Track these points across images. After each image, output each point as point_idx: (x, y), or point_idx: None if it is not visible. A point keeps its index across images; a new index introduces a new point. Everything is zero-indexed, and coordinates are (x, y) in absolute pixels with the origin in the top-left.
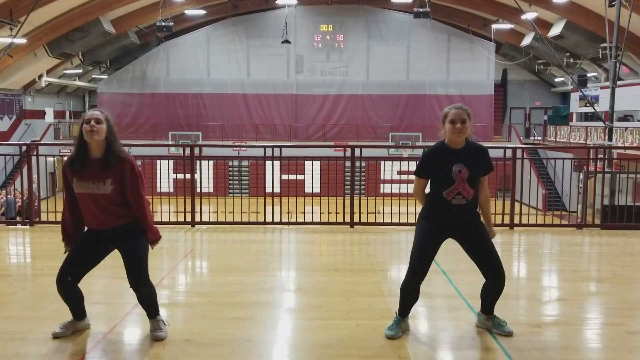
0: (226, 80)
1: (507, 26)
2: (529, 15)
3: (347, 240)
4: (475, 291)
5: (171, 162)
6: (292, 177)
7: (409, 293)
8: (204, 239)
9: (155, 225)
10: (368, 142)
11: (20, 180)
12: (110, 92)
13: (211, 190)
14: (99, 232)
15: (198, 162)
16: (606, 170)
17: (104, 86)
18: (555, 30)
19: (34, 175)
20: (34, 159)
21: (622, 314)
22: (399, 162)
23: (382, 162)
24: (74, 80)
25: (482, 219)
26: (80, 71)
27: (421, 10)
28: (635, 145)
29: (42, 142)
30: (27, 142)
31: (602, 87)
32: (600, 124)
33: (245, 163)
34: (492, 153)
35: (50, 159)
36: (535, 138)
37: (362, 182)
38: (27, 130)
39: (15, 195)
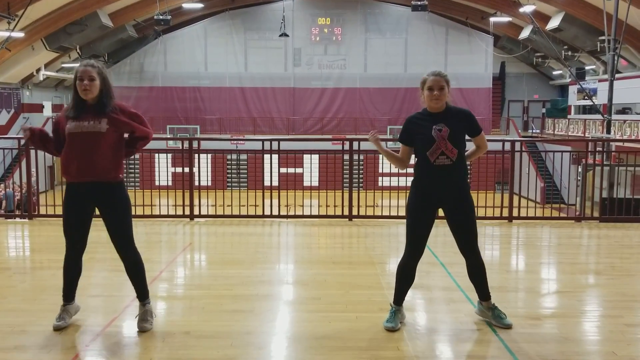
0: (224, 73)
1: (505, 19)
2: (527, 8)
3: (345, 233)
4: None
5: (169, 155)
6: (291, 170)
7: (406, 273)
8: (202, 232)
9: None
10: (366, 135)
11: (19, 174)
12: None
13: (209, 183)
14: (82, 188)
15: (196, 155)
16: (605, 163)
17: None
18: (554, 23)
19: (33, 169)
20: (32, 152)
21: (621, 306)
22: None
23: (381, 156)
24: (72, 73)
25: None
26: (78, 65)
27: (419, 3)
28: (633, 138)
29: None
30: None
31: (600, 80)
32: (599, 116)
33: (243, 156)
34: (491, 146)
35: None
36: (534, 131)
37: (360, 175)
38: (25, 123)
39: (13, 189)
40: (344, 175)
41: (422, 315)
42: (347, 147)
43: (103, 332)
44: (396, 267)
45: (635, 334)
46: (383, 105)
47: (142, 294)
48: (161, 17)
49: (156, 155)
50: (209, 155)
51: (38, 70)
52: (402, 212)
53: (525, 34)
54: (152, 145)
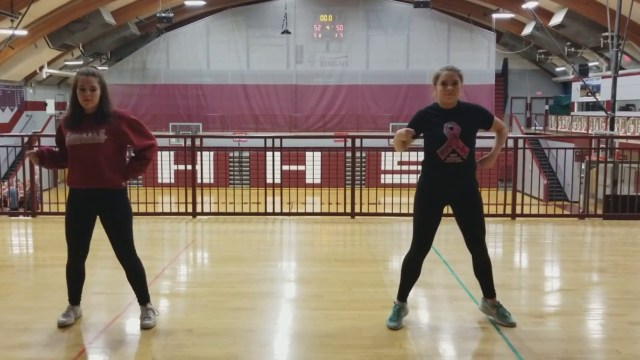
0: (226, 71)
1: (508, 15)
2: (530, 5)
3: (347, 231)
4: (477, 281)
5: (172, 153)
6: (293, 167)
7: (412, 268)
8: (205, 229)
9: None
10: (368, 133)
11: (22, 172)
12: (111, 83)
13: (212, 181)
14: (85, 194)
15: (199, 153)
16: (608, 160)
17: (105, 77)
18: (557, 19)
19: (36, 167)
20: (35, 150)
21: (625, 304)
22: (399, 152)
23: (383, 153)
24: (75, 71)
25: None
26: (81, 62)
27: None
28: (637, 134)
29: (43, 133)
30: (29, 134)
31: (603, 77)
32: (602, 113)
33: (245, 154)
34: (493, 143)
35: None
36: (537, 128)
37: (363, 173)
38: (29, 121)
39: (17, 187)
40: (346, 173)
41: (425, 313)
42: (349, 144)
43: (106, 330)
44: (399, 264)
45: (639, 332)
46: (385, 102)
47: (143, 298)
48: (163, 14)
49: (159, 152)
50: (212, 153)
51: (41, 68)
52: (405, 210)
53: (528, 30)
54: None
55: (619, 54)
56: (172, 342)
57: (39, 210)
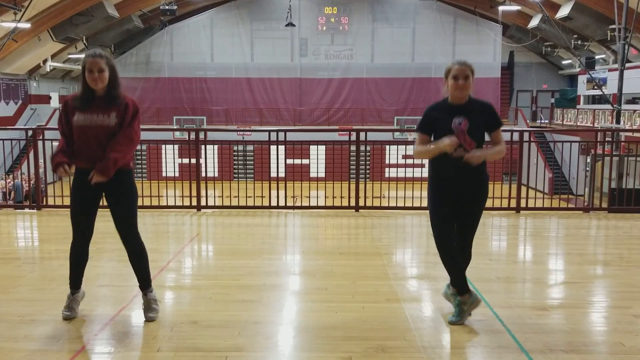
0: (230, 64)
1: (514, 8)
2: None
3: (352, 224)
4: (481, 274)
5: (176, 146)
6: (297, 161)
7: (448, 264)
8: (209, 222)
9: (111, 165)
10: (373, 126)
11: (27, 165)
12: None
13: (216, 174)
14: (88, 174)
15: (203, 146)
16: (614, 153)
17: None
18: (563, 11)
19: (41, 160)
20: (40, 143)
21: (629, 297)
22: (404, 146)
23: (387, 146)
24: (79, 64)
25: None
26: (85, 55)
27: None
28: None
29: (48, 126)
30: (33, 127)
31: (610, 70)
32: (608, 106)
33: (250, 147)
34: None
35: (57, 143)
36: (542, 121)
37: (367, 166)
38: (33, 115)
39: (22, 180)
40: (351, 166)
41: (428, 305)
42: (353, 138)
43: (111, 322)
44: (403, 257)
45: None
46: (390, 96)
47: (145, 283)
48: (167, 7)
49: (163, 146)
50: (216, 146)
51: (45, 62)
52: (409, 203)
53: (534, 22)
54: (158, 136)
55: (626, 47)
56: (178, 333)
57: (44, 204)
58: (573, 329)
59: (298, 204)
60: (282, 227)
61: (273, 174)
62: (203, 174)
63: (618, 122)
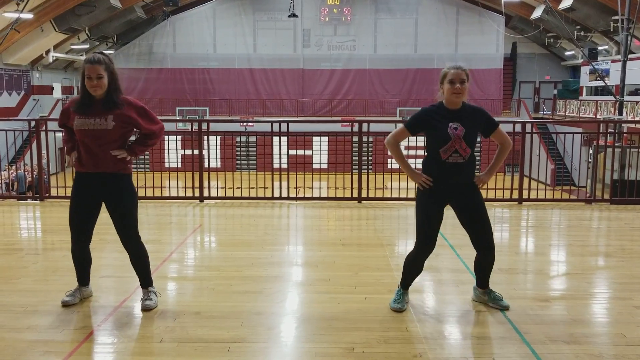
0: (233, 55)
1: None
2: None
3: (354, 215)
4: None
5: (179, 137)
6: (300, 152)
7: (417, 265)
8: (212, 213)
9: (145, 147)
10: (375, 117)
11: (30, 156)
12: (117, 67)
13: (219, 165)
14: (91, 178)
15: (205, 137)
16: (616, 144)
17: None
18: (566, 2)
19: (43, 151)
20: (43, 134)
21: (631, 288)
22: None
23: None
24: (81, 55)
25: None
26: (87, 46)
27: None
28: None
29: (50, 117)
30: (36, 118)
31: (613, 61)
32: (611, 98)
33: (252, 138)
34: (501, 128)
35: (60, 134)
36: (545, 112)
37: (370, 158)
38: (36, 105)
39: (25, 171)
40: (353, 157)
41: (431, 297)
42: (356, 129)
43: (115, 312)
44: (406, 248)
45: None
46: (393, 87)
47: (145, 282)
48: None
49: (166, 137)
50: (218, 137)
51: (47, 52)
52: (412, 195)
53: (537, 13)
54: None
55: (629, 38)
56: (180, 324)
57: (47, 194)
58: (575, 320)
59: (301, 195)
60: (285, 218)
61: (276, 165)
62: (206, 165)
63: (621, 113)
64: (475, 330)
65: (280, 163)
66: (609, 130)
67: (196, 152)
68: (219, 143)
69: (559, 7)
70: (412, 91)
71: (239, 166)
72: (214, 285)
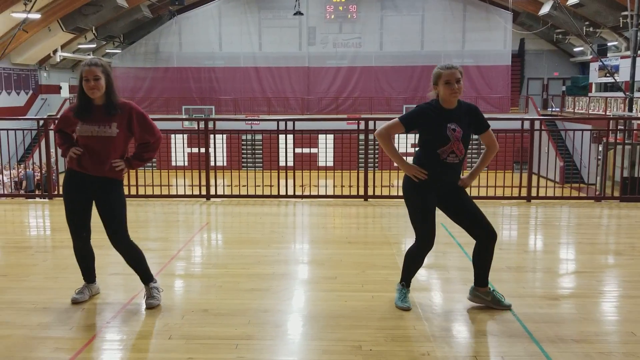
0: (238, 53)
1: None
2: None
3: (361, 213)
4: (492, 264)
5: (185, 136)
6: (306, 150)
7: (418, 261)
8: (219, 211)
9: (141, 161)
10: (382, 115)
11: (39, 154)
12: (124, 66)
13: (225, 164)
14: (84, 177)
15: (212, 135)
16: (626, 141)
17: (118, 61)
18: None
19: (52, 150)
20: (51, 133)
21: None
22: (413, 135)
23: (397, 135)
24: (88, 54)
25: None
26: (94, 46)
27: None
28: None
29: (58, 116)
30: (44, 117)
31: (622, 57)
32: (620, 94)
33: (258, 136)
34: (509, 125)
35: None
36: (553, 109)
37: (376, 155)
38: (44, 105)
39: (33, 169)
40: (359, 155)
41: (438, 295)
42: (362, 126)
43: (123, 309)
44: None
45: None
46: (399, 84)
47: (145, 279)
48: None
49: (172, 135)
50: (224, 136)
51: (55, 52)
52: None
53: (545, 9)
54: (167, 125)
55: (639, 34)
56: (188, 321)
57: (56, 193)
58: (584, 319)
59: (307, 193)
60: (291, 216)
61: (282, 163)
62: (212, 163)
63: (630, 110)
64: (483, 328)
65: (286, 161)
66: (619, 127)
67: (202, 150)
68: (225, 141)
69: (567, 3)
70: (418, 88)
71: (244, 164)
72: (221, 283)
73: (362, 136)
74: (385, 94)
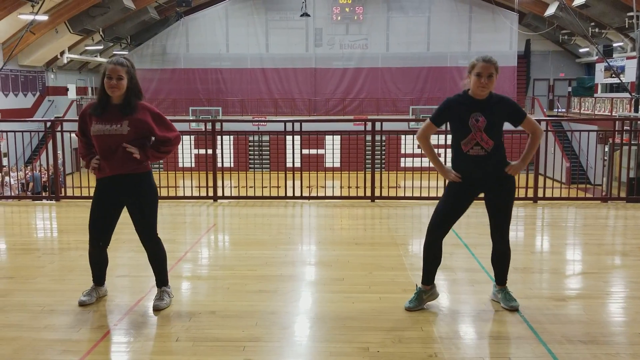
0: (245, 54)
1: None
2: None
3: (367, 215)
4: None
5: (192, 137)
6: (312, 151)
7: (432, 253)
8: (226, 213)
9: (161, 154)
10: (388, 116)
11: (46, 156)
12: None
13: (232, 165)
14: (111, 182)
15: (219, 137)
16: (632, 142)
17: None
18: None
19: (59, 151)
20: (58, 135)
21: None
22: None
23: (403, 136)
24: (95, 56)
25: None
26: (101, 47)
27: None
28: None
29: (65, 118)
30: (51, 119)
31: (628, 58)
32: (626, 95)
33: (265, 138)
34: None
35: (75, 135)
36: (559, 110)
37: (383, 156)
38: (51, 106)
39: (40, 171)
40: (366, 156)
41: (445, 296)
42: (369, 127)
43: (131, 311)
44: (420, 247)
45: None
46: (405, 85)
47: (162, 281)
48: None
49: None
50: (231, 137)
51: (62, 53)
52: (425, 193)
53: (551, 10)
54: (175, 127)
55: None
56: (195, 323)
57: (63, 195)
58: (591, 320)
59: (314, 194)
60: (298, 218)
61: (288, 164)
62: (219, 165)
63: (636, 110)
64: (490, 330)
65: (293, 162)
66: (625, 128)
67: (210, 151)
68: (232, 143)
69: (573, 4)
70: (424, 89)
71: (252, 165)
72: (229, 285)
73: (368, 137)
74: (391, 95)
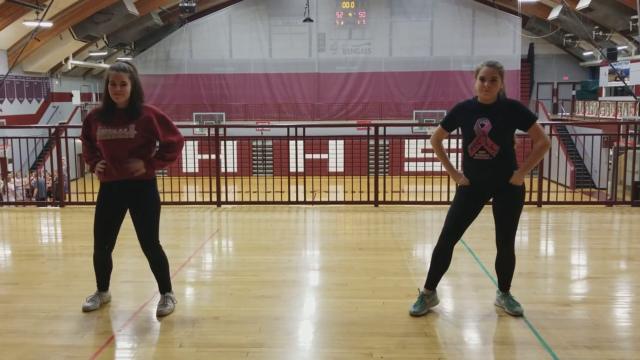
0: (248, 60)
1: None
2: None
3: (371, 219)
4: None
5: (196, 142)
6: (316, 156)
7: (441, 258)
8: (229, 218)
9: (165, 162)
10: (391, 120)
11: (50, 162)
12: None
13: (235, 170)
14: (115, 186)
15: (222, 142)
16: (637, 146)
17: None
18: (584, 2)
19: (63, 157)
20: (62, 141)
21: None
22: (423, 140)
23: (407, 141)
24: (100, 62)
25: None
26: (105, 53)
27: None
28: None
29: (70, 124)
30: (56, 125)
31: (632, 61)
32: (631, 98)
33: (268, 143)
34: (519, 130)
35: (79, 141)
36: (563, 114)
37: (386, 161)
38: (55, 112)
39: (45, 177)
40: (370, 161)
41: (449, 301)
42: (372, 132)
43: (135, 317)
44: (424, 252)
45: None
46: (409, 90)
47: (165, 287)
48: (186, 4)
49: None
50: (235, 142)
51: (66, 60)
52: (429, 198)
53: (554, 14)
54: (178, 129)
55: None
56: (199, 329)
57: (67, 200)
58: (596, 325)
59: (317, 199)
60: (302, 223)
61: (292, 169)
62: (223, 170)
63: None
64: (495, 335)
65: (296, 167)
66: (630, 131)
67: (213, 157)
68: (235, 148)
69: (576, 8)
70: (428, 94)
71: (255, 170)
72: (232, 290)
73: (372, 142)
74: (395, 99)
